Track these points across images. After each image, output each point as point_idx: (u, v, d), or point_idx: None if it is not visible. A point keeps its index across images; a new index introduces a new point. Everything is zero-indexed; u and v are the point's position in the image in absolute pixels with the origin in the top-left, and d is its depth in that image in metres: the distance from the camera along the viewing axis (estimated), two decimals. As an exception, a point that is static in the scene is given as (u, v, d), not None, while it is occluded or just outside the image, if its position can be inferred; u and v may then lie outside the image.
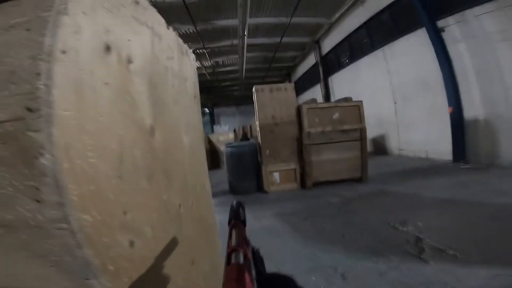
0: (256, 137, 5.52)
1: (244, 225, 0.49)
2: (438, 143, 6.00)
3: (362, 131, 4.93)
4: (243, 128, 11.71)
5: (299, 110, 4.91)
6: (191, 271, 0.90)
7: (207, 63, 12.37)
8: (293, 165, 4.93)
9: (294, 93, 5.03)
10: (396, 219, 2.85)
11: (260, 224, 3.20)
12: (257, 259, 0.46)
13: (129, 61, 0.66)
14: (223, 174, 5.75)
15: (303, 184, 4.93)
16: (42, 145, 0.39)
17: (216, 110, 21.70)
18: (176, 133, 0.97)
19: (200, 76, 13.57)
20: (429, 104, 6.18)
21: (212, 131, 15.97)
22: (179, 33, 8.37)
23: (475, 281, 1.65)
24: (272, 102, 4.87)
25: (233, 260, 0.34)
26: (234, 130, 12.74)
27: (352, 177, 4.96)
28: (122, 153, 0.58)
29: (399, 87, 7.19)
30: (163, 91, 0.89)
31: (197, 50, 10.22)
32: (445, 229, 2.50)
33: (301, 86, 14.68)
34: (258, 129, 4.96)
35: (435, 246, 2.18)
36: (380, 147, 8.24)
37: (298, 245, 2.55)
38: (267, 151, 4.86)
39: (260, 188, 5.01)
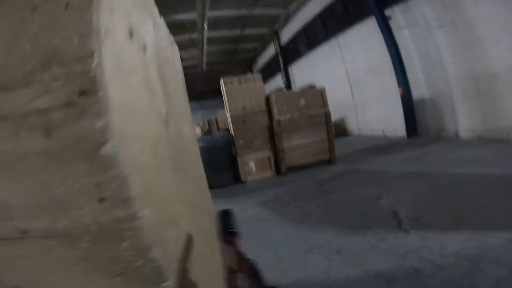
0: (223, 130, 5.50)
1: (237, 235, 0.46)
2: (392, 122, 6.58)
3: (327, 115, 5.22)
4: (208, 123, 11.48)
5: (268, 99, 5.00)
6: (213, 264, 0.89)
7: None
8: (267, 153, 5.03)
9: (262, 83, 5.13)
10: (371, 194, 3.09)
11: (246, 214, 3.23)
12: (256, 272, 0.46)
13: (145, 48, 0.62)
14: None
15: (278, 171, 5.07)
16: (103, 133, 0.34)
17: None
18: (181, 123, 0.93)
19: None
20: (381, 87, 6.73)
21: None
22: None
23: (455, 245, 1.85)
24: (241, 93, 4.89)
25: (238, 284, 0.33)
26: (205, 124, 12.38)
27: (322, 159, 5.24)
28: (157, 143, 0.54)
29: (353, 73, 7.72)
30: (168, 81, 0.85)
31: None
32: (414, 199, 2.77)
33: (263, 76, 14.67)
34: (229, 120, 4.94)
35: (410, 216, 2.41)
36: (341, 129, 8.75)
37: (289, 228, 2.64)
38: (241, 141, 4.87)
39: (237, 179, 5.03)
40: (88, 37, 0.35)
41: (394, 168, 4.00)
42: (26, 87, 0.35)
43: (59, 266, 0.37)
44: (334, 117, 8.43)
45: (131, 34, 0.51)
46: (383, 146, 5.81)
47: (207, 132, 9.23)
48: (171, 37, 1.17)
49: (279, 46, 11.94)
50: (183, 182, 0.74)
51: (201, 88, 18.40)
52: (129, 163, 0.38)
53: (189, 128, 1.14)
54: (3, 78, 0.35)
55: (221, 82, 4.86)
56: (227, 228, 0.50)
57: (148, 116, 0.54)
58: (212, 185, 4.37)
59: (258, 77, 5.11)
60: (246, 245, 2.48)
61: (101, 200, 0.35)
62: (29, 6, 0.36)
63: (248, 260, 0.47)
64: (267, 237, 2.53)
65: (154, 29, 0.76)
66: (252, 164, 4.96)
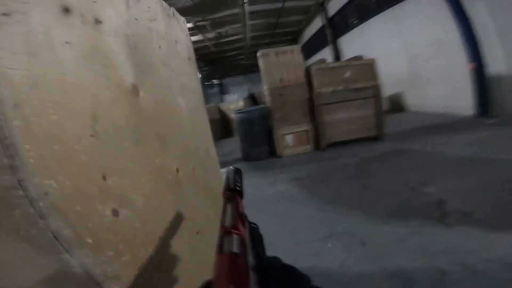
0: (266, 102, 5.42)
1: (241, 196, 0.42)
2: (457, 99, 5.75)
3: (376, 88, 4.76)
4: (254, 94, 11.54)
5: (307, 71, 4.73)
6: (196, 241, 0.89)
7: (209, 35, 11.84)
8: (305, 127, 4.85)
9: (301, 55, 4.86)
10: (416, 180, 2.73)
11: (274, 190, 3.23)
12: (255, 239, 0.40)
13: (97, 21, 0.60)
14: (235, 142, 5.75)
15: (317, 146, 4.88)
16: None
17: (224, 81, 21.46)
18: (169, 95, 0.91)
19: (204, 48, 13.13)
20: (446, 62, 5.97)
21: (222, 101, 15.85)
22: (175, 8, 8.00)
23: (500, 249, 1.54)
24: (279, 65, 4.73)
25: (225, 247, 0.28)
26: (244, 98, 12.60)
27: (367, 136, 4.85)
28: (97, 111, 0.53)
29: (412, 46, 6.96)
30: (148, 52, 0.82)
31: (198, 23, 9.74)
32: (470, 190, 2.34)
33: (309, 50, 14.05)
34: (266, 93, 4.84)
35: (459, 209, 2.06)
36: (396, 104, 8.01)
37: (314, 210, 2.52)
38: (278, 114, 4.78)
39: (273, 152, 5.01)
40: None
41: (453, 151, 3.44)
42: None
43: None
44: (390, 91, 7.89)
45: (66, 10, 0.51)
46: (445, 125, 5.03)
47: (251, 101, 9.33)
48: (171, 9, 1.14)
49: (326, 18, 11.02)
50: (154, 154, 0.73)
51: (247, 62, 18.37)
52: (24, 131, 0.37)
53: (190, 100, 1.12)
54: None
55: (258, 54, 4.72)
56: (232, 187, 0.41)
57: (90, 86, 0.53)
58: (247, 158, 4.49)
59: (296, 48, 4.87)
60: (265, 222, 2.43)
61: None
62: None
63: (249, 222, 0.39)
64: (289, 217, 2.46)
65: (125, 3, 0.74)
66: (289, 138, 4.85)
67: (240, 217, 0.35)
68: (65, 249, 0.39)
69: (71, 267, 0.41)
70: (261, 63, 4.74)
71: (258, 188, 3.36)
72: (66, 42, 0.51)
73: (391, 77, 7.64)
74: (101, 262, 0.45)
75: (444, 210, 2.09)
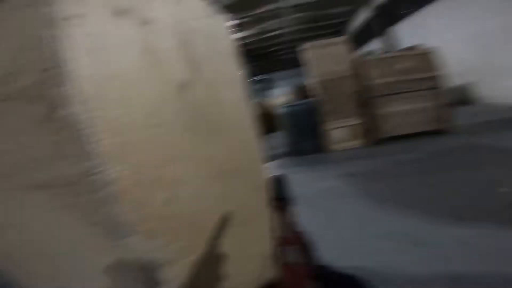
0: (313, 96, 5.28)
1: (289, 202, 0.44)
2: None
3: (438, 79, 4.30)
4: (300, 88, 11.33)
5: (357, 63, 4.50)
6: (241, 233, 0.90)
7: (252, 31, 11.97)
8: (356, 120, 4.59)
9: (347, 47, 4.66)
10: (487, 178, 2.36)
11: (323, 185, 3.09)
12: (307, 246, 0.42)
13: (149, 21, 0.66)
14: (280, 138, 5.71)
15: (369, 140, 4.57)
16: (61, 99, 0.38)
17: (269, 76, 21.55)
18: (217, 88, 0.95)
19: (248, 44, 13.33)
20: None
21: (266, 96, 15.94)
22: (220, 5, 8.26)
23: None
24: (325, 57, 4.58)
25: (289, 257, 0.29)
26: (290, 93, 12.45)
27: (430, 130, 4.36)
28: (154, 105, 0.57)
29: (482, 33, 6.14)
30: (196, 50, 0.86)
31: (241, 19, 9.91)
32: None
33: (358, 41, 13.17)
34: (314, 86, 4.70)
35: None
36: (464, 96, 7.13)
37: (365, 208, 2.33)
38: (326, 107, 4.60)
39: (321, 147, 4.83)
40: (44, 27, 0.39)
41: None
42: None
43: (50, 214, 0.45)
44: (455, 83, 7.09)
45: (119, 12, 0.55)
46: None
47: (296, 99, 9.13)
48: (212, 7, 1.17)
49: (376, 7, 10.14)
50: (204, 145, 0.76)
51: (290, 57, 18.07)
52: (95, 123, 0.41)
53: (235, 93, 1.14)
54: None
55: (304, 47, 4.62)
56: (278, 195, 0.48)
57: (145, 83, 0.57)
58: (294, 152, 4.42)
59: (344, 40, 4.67)
60: (311, 219, 2.33)
61: (65, 156, 0.40)
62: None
63: (300, 231, 0.44)
64: (335, 214, 2.32)
65: (173, 2, 0.78)
66: (339, 132, 4.62)
67: (291, 226, 0.38)
68: (127, 233, 0.42)
69: (130, 252, 0.44)
70: (308, 55, 4.66)
71: (305, 184, 3.28)
72: (121, 42, 0.55)
73: (457, 67, 6.94)
74: (155, 248, 0.48)
75: None
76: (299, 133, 4.81)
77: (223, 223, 0.70)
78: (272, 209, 0.43)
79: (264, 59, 18.93)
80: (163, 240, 0.50)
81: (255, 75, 20.93)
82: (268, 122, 9.11)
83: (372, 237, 1.85)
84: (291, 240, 0.33)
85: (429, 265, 1.47)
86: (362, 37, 12.69)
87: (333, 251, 1.71)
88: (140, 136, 0.52)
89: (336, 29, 15.13)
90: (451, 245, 1.59)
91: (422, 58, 4.37)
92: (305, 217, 2.29)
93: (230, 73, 1.16)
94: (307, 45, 4.63)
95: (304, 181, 3.38)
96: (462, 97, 7.16)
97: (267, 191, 1.32)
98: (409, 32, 8.94)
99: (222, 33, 1.18)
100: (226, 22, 1.34)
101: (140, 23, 0.62)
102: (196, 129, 0.73)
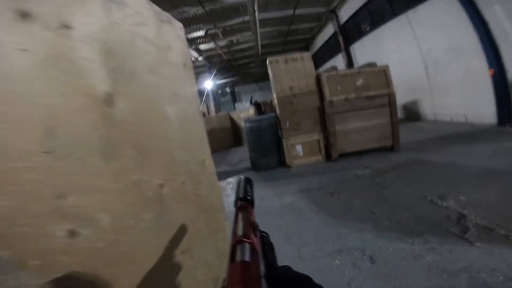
0: (275, 111, 5.35)
1: (252, 205, 0.43)
2: (478, 107, 5.45)
3: (391, 96, 4.53)
4: (259, 103, 11.56)
5: (318, 79, 4.60)
6: (183, 261, 0.81)
7: (221, 43, 12.02)
8: (316, 136, 4.71)
9: (311, 62, 4.72)
10: (434, 193, 2.55)
11: (281, 201, 3.11)
12: (267, 247, 0.40)
13: (65, 27, 0.56)
14: (246, 151, 5.70)
15: (328, 156, 4.72)
16: None
17: (237, 89, 21.70)
18: (154, 104, 0.86)
19: (216, 56, 13.32)
20: (464, 68, 5.68)
21: (234, 109, 15.96)
22: (187, 16, 8.11)
23: None
24: (288, 73, 4.63)
25: (238, 256, 0.29)
26: (255, 106, 12.67)
27: (382, 146, 4.64)
28: (55, 124, 0.47)
29: (429, 53, 6.69)
30: (130, 59, 0.77)
31: (209, 31, 9.91)
32: (493, 203, 2.15)
33: (321, 57, 14.00)
34: (275, 101, 4.76)
35: (482, 224, 1.88)
36: (412, 113, 7.71)
37: (323, 223, 2.40)
38: (287, 123, 4.67)
39: (282, 162, 4.90)
40: None
41: (474, 163, 3.20)
42: None
43: None
44: (404, 100, 7.68)
45: (24, 15, 0.47)
46: (465, 134, 4.74)
47: (259, 114, 9.28)
48: (165, 14, 1.09)
49: (338, 25, 10.95)
50: (131, 170, 0.66)
51: (259, 70, 18.45)
52: None
53: (182, 109, 1.06)
54: None
55: (267, 61, 4.66)
56: (243, 197, 0.44)
57: (47, 96, 0.47)
58: (256, 167, 4.39)
59: (306, 55, 4.72)
60: (271, 237, 2.35)
61: None
62: None
63: (260, 231, 0.41)
64: (295, 231, 2.34)
65: (104, 8, 0.69)
66: (299, 148, 4.72)
67: (251, 226, 0.35)
68: (5, 270, 0.34)
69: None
70: (270, 70, 4.67)
71: (264, 200, 3.26)
72: (22, 50, 0.46)
73: (406, 84, 7.46)
74: (50, 284, 0.41)
75: (465, 225, 1.93)
76: (261, 148, 4.81)
77: (154, 244, 0.64)
78: (235, 211, 0.40)
79: (233, 71, 19.10)
80: (64, 274, 0.43)
81: (224, 87, 21.00)
82: (234, 135, 9.08)
83: (330, 253, 1.88)
84: (247, 239, 0.31)
85: (385, 279, 1.52)
86: (326, 52, 13.29)
87: (294, 269, 1.73)
88: (32, 161, 0.42)
89: (303, 44, 15.88)
90: (405, 260, 1.66)
91: (378, 75, 4.56)
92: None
93: (178, 85, 1.08)
94: (270, 59, 4.65)
95: (264, 197, 3.35)
96: (410, 115, 7.74)
97: (213, 215, 1.24)
98: (367, 49, 9.57)
99: (171, 42, 1.10)
100: (179, 31, 1.27)
101: (53, 28, 0.53)
102: (119, 150, 0.63)
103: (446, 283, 1.40)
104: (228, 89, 21.10)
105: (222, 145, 8.55)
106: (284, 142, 4.69)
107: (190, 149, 1.06)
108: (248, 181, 0.46)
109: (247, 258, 0.28)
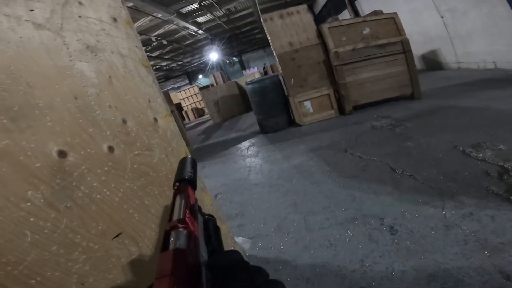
0: (277, 70, 5.04)
1: (193, 187, 0.37)
2: (509, 52, 4.78)
3: (404, 43, 4.13)
4: (270, 67, 11.01)
5: (320, 32, 4.22)
6: (111, 248, 0.65)
7: (219, 13, 11.27)
8: (325, 91, 4.36)
9: (309, 15, 4.38)
10: (467, 142, 2.15)
11: (289, 164, 2.89)
12: (211, 233, 0.32)
13: None
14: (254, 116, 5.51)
15: (341, 110, 4.39)
16: None
17: (244, 57, 21.03)
18: (52, 57, 0.65)
19: (217, 27, 12.65)
20: (486, 15, 5.03)
21: (242, 76, 15.61)
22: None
23: None
24: (286, 28, 4.30)
25: (171, 244, 0.23)
26: (263, 69, 12.12)
27: (401, 95, 4.25)
28: None
29: (443, 2, 6.04)
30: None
31: (203, 2, 9.22)
32: None
33: (327, 15, 12.88)
34: (276, 60, 4.41)
35: None
36: (432, 63, 7.11)
37: (334, 186, 2.10)
38: (292, 80, 4.35)
39: (292, 122, 4.66)
40: None
41: (506, 106, 2.70)
42: None
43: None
44: (422, 50, 7.19)
45: None
46: (496, 79, 4.08)
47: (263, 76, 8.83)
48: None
49: None
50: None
51: (264, 35, 17.48)
52: None
53: (105, 65, 0.85)
54: None
55: (261, 19, 4.31)
56: (182, 178, 0.35)
57: None
58: (264, 129, 4.25)
59: (303, 8, 4.37)
60: (279, 204, 2.04)
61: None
62: None
63: (203, 215, 0.32)
64: (302, 196, 2.08)
65: None
66: (308, 104, 4.39)
67: (191, 209, 0.31)
68: None
69: None
70: (266, 29, 4.33)
71: (272, 163, 3.07)
72: None
73: (423, 35, 6.99)
74: None
75: (509, 182, 1.53)
76: (267, 109, 4.57)
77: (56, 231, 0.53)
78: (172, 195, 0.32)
79: (237, 40, 18.28)
80: None
81: (230, 56, 20.30)
82: (243, 101, 8.82)
83: (340, 223, 1.62)
84: (182, 224, 0.24)
85: (407, 256, 1.23)
86: (331, 9, 12.31)
87: (296, 244, 1.51)
88: None
89: (307, 4, 14.61)
90: (433, 231, 1.34)
91: (386, 23, 4.15)
92: (273, 201, 2.10)
93: (96, 38, 0.85)
94: (265, 16, 4.28)
95: (271, 160, 3.17)
96: (430, 64, 7.15)
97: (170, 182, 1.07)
98: (372, 3, 8.56)
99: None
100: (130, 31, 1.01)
101: None
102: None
103: (488, 261, 1.08)
104: (235, 58, 20.51)
105: (233, 112, 8.65)
106: (291, 99, 4.42)
107: (125, 107, 0.87)
108: (189, 161, 0.41)
109: (182, 245, 0.23)
